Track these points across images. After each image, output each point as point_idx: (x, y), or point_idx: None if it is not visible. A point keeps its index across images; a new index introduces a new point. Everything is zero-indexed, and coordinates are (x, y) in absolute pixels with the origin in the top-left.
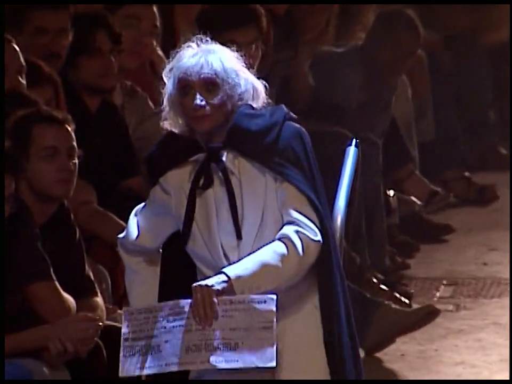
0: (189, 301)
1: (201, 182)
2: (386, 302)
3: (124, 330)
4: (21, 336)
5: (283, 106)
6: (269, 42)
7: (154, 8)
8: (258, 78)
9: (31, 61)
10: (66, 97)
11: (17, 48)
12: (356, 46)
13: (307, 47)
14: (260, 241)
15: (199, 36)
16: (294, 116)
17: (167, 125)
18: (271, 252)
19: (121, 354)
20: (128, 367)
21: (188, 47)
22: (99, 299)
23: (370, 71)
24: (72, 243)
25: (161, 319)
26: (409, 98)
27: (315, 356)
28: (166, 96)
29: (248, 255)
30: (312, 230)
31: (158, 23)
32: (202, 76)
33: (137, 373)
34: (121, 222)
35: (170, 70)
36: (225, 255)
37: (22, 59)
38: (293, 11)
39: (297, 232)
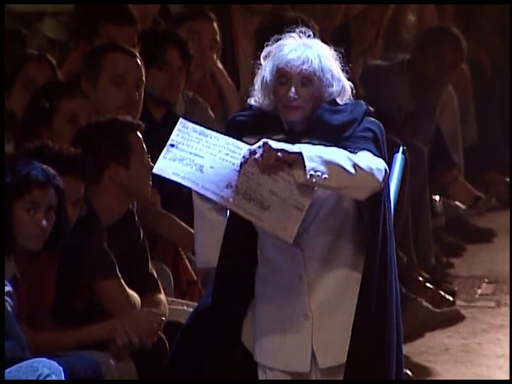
0: (248, 146)
1: None
2: (419, 299)
3: (174, 136)
4: (89, 328)
5: (363, 102)
6: None
7: (215, 24)
8: (347, 79)
9: None
10: None
11: (140, 63)
12: (403, 59)
13: (358, 59)
14: (328, 218)
15: (301, 28)
16: (372, 109)
17: (252, 101)
18: (347, 158)
19: (161, 155)
20: (164, 167)
21: (290, 37)
22: (162, 296)
23: (416, 83)
24: (137, 243)
25: (214, 146)
26: (455, 107)
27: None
28: (260, 78)
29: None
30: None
31: (218, 38)
32: (301, 71)
33: (170, 176)
34: (183, 223)
35: (268, 55)
36: None
37: (143, 75)
38: (349, 24)
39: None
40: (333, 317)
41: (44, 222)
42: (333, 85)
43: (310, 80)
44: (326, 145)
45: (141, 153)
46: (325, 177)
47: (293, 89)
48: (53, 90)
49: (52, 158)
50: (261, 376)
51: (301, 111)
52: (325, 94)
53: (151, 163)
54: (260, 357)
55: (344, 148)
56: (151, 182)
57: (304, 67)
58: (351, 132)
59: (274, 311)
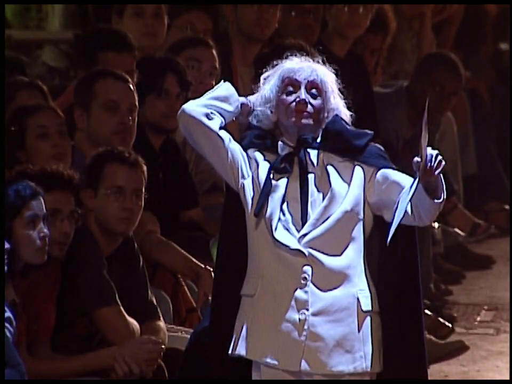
0: None
1: (281, 165)
2: None
3: None
4: (88, 357)
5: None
6: None
7: (214, 51)
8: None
9: None
10: None
11: (132, 88)
12: (401, 86)
13: None
14: (335, 235)
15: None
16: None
17: (254, 122)
18: None
19: None
20: None
21: (295, 56)
22: (161, 323)
23: (414, 110)
24: (137, 270)
25: None
26: (454, 134)
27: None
28: (261, 96)
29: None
30: None
31: (217, 64)
32: (309, 80)
33: None
34: (183, 251)
35: (269, 76)
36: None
37: (136, 100)
38: (353, 53)
39: None
40: (328, 326)
41: (46, 231)
42: (331, 102)
43: (317, 89)
44: (338, 153)
45: (111, 185)
46: (444, 198)
47: (303, 91)
48: (18, 113)
49: (36, 177)
50: (255, 376)
51: (309, 118)
52: (327, 110)
53: (140, 203)
54: (250, 352)
55: (364, 162)
56: (131, 218)
57: (313, 76)
58: (364, 141)
59: (270, 310)
